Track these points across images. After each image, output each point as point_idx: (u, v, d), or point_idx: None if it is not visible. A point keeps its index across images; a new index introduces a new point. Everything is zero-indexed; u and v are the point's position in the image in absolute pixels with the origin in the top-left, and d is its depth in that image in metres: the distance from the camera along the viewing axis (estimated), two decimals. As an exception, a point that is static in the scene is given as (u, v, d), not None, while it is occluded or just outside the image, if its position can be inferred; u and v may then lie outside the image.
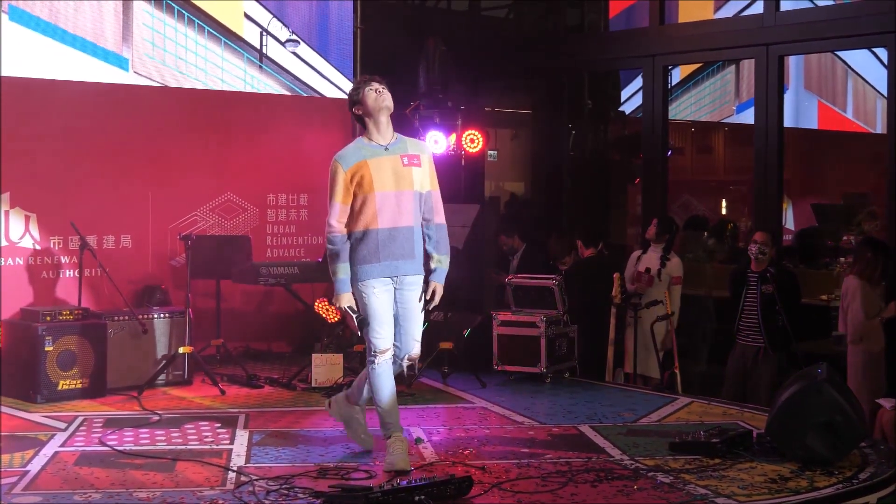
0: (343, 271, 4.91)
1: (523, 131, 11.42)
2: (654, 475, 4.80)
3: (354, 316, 4.93)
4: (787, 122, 8.94)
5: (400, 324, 5.01)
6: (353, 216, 4.93)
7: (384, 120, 4.99)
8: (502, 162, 11.08)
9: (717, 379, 7.66)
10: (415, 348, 5.05)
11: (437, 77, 8.61)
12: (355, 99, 5.02)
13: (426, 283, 5.05)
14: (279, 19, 8.58)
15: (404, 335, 5.02)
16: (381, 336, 4.94)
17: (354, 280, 4.94)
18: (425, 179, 5.01)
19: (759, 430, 5.42)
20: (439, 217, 5.07)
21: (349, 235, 4.94)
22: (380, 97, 4.96)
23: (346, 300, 4.93)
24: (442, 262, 5.06)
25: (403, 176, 4.94)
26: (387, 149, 4.96)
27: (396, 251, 4.93)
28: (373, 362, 4.96)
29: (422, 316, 5.06)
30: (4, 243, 7.21)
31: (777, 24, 8.31)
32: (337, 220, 4.92)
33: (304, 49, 8.73)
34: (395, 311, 5.00)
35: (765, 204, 8.34)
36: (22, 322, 6.60)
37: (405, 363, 5.09)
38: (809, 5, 8.93)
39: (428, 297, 5.02)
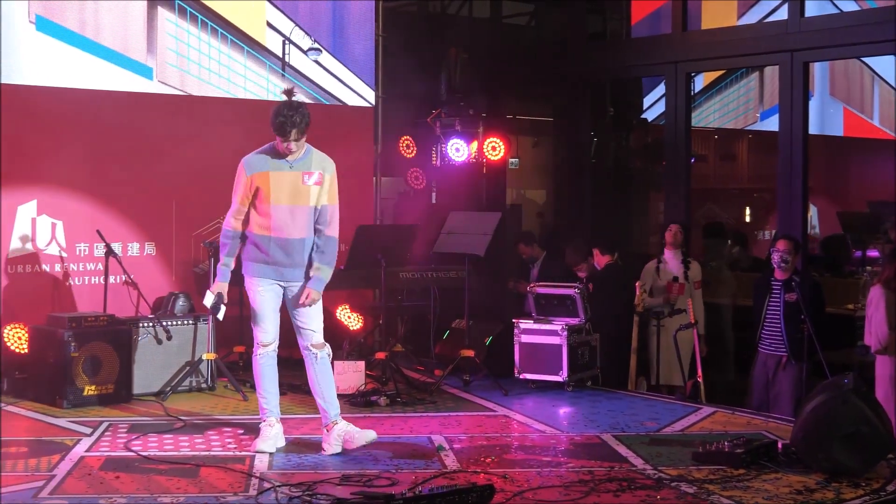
0: (227, 263, 5.37)
1: (545, 139, 11.39)
2: (677, 485, 4.77)
3: (213, 302, 5.35)
4: (812, 129, 8.87)
5: (295, 319, 5.42)
6: (253, 219, 5.33)
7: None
8: (524, 170, 11.06)
9: (741, 388, 7.59)
10: (313, 338, 5.40)
11: (459, 85, 8.64)
12: (273, 128, 5.26)
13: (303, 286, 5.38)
14: (301, 28, 8.60)
15: (301, 328, 5.41)
16: (265, 331, 5.40)
17: (246, 272, 5.40)
18: (323, 195, 5.36)
19: (784, 441, 5.37)
20: (330, 230, 5.39)
21: (248, 234, 5.34)
22: (286, 150, 5.27)
23: (222, 287, 5.38)
24: (321, 271, 5.37)
25: (301, 192, 5.30)
26: (291, 166, 5.31)
27: (286, 260, 5.32)
28: (255, 354, 5.43)
29: (314, 311, 5.38)
30: (31, 250, 7.27)
31: (802, 30, 8.27)
32: (234, 217, 5.37)
33: (326, 57, 8.74)
34: (289, 308, 5.40)
35: (789, 212, 8.28)
36: (48, 328, 6.63)
37: (315, 352, 5.39)
38: (835, 11, 8.86)
39: (302, 301, 5.33)
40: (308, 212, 5.32)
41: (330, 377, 5.44)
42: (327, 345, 5.45)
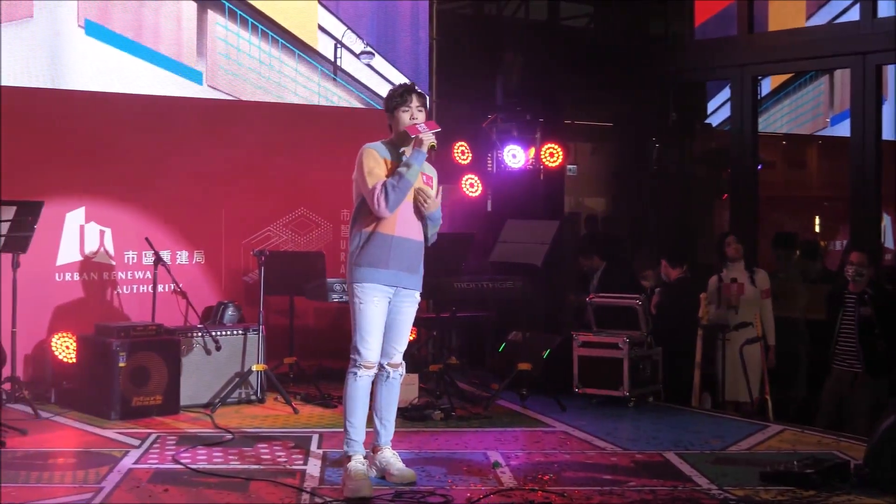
0: (411, 166, 4.81)
1: (604, 145, 11.30)
2: (746, 507, 4.59)
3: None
4: (886, 135, 8.73)
5: (386, 330, 4.94)
6: (369, 214, 4.81)
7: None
8: (582, 177, 10.94)
9: (811, 406, 7.40)
10: (394, 357, 5.00)
11: (515, 89, 8.53)
12: (388, 111, 4.95)
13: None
14: (354, 31, 8.56)
15: (386, 342, 4.96)
16: (370, 347, 4.86)
17: (353, 281, 4.85)
18: (438, 200, 5.05)
19: (856, 461, 5.18)
20: (434, 237, 5.10)
21: (364, 235, 4.83)
22: (412, 120, 4.88)
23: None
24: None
25: None
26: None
27: (405, 262, 4.88)
28: (355, 373, 4.87)
29: (408, 330, 5.04)
30: (79, 258, 7.29)
31: (874, 31, 8.09)
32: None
33: (378, 61, 8.69)
34: (387, 321, 4.94)
35: (862, 221, 8.12)
36: (96, 337, 6.62)
37: (389, 370, 4.99)
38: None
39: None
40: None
41: (394, 400, 5.09)
42: (403, 364, 5.10)
